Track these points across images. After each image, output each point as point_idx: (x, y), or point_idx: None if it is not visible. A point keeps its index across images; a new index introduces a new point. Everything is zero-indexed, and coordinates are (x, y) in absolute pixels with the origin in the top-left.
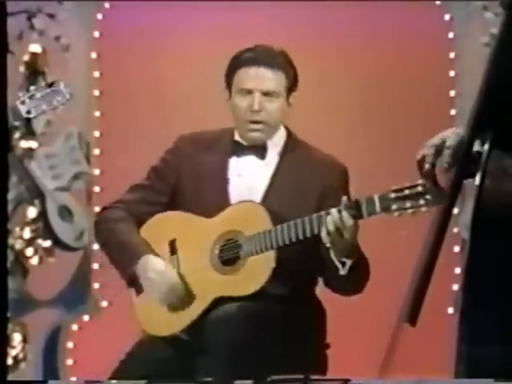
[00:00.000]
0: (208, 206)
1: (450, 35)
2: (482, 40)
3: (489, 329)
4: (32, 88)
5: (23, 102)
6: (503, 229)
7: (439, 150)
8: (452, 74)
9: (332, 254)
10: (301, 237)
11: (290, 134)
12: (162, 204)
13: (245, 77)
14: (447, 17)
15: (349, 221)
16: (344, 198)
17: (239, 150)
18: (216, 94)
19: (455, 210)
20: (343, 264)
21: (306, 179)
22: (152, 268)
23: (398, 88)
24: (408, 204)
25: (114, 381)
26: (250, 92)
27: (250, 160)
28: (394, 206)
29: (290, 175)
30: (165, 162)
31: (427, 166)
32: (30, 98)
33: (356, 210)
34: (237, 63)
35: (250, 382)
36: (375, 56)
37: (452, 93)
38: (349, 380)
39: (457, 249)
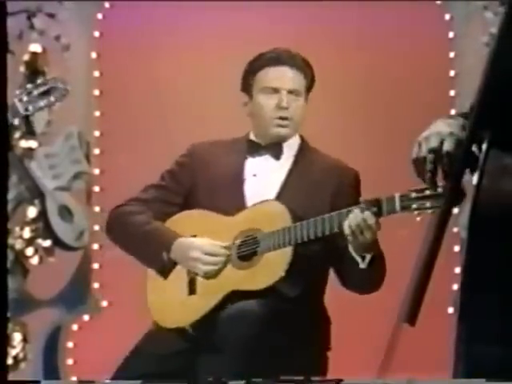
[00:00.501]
0: (224, 207)
1: (450, 35)
2: (482, 40)
3: (486, 328)
4: (29, 85)
5: (21, 100)
6: (501, 228)
7: (438, 155)
8: (452, 73)
9: (352, 250)
10: (319, 234)
11: (303, 140)
12: (177, 204)
13: (268, 76)
14: (447, 16)
15: (371, 219)
16: (362, 198)
17: (254, 149)
18: (216, 93)
19: (455, 210)
20: (363, 258)
21: (319, 181)
22: (192, 247)
23: (397, 87)
24: (428, 204)
25: (108, 380)
26: (276, 90)
27: (265, 160)
28: (414, 206)
29: (303, 177)
30: (180, 165)
31: (428, 175)
32: (28, 95)
33: (377, 208)
34: (259, 64)
35: (242, 382)
36: (375, 56)
37: (452, 92)
38: (341, 380)
39: (457, 248)
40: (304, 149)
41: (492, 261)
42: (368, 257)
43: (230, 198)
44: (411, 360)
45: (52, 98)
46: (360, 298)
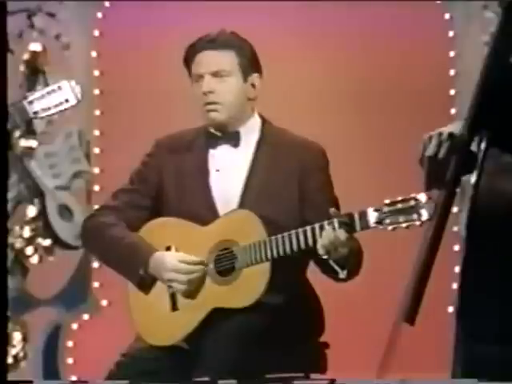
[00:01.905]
0: (191, 202)
1: (451, 34)
2: (482, 39)
3: (485, 327)
4: (39, 88)
5: (31, 103)
6: (499, 227)
7: (434, 161)
8: (452, 72)
9: (331, 262)
10: (295, 249)
11: (264, 121)
12: (148, 208)
13: (194, 65)
14: (447, 16)
15: (343, 236)
16: (334, 211)
17: (213, 140)
18: None
19: (455, 209)
20: (342, 268)
21: (285, 163)
22: (167, 268)
23: (398, 87)
24: (401, 218)
25: (100, 380)
26: (201, 77)
27: (225, 150)
28: (387, 220)
29: (268, 162)
30: (145, 165)
31: (425, 180)
32: (39, 99)
33: (349, 225)
34: (189, 56)
35: (234, 381)
36: (375, 55)
37: (452, 92)
38: (334, 380)
39: (457, 248)
40: (266, 132)
41: (490, 260)
42: (346, 271)
43: (197, 197)
44: (411, 360)
45: (64, 104)
46: (359, 298)
